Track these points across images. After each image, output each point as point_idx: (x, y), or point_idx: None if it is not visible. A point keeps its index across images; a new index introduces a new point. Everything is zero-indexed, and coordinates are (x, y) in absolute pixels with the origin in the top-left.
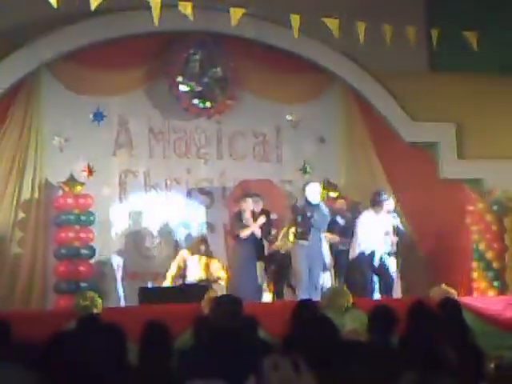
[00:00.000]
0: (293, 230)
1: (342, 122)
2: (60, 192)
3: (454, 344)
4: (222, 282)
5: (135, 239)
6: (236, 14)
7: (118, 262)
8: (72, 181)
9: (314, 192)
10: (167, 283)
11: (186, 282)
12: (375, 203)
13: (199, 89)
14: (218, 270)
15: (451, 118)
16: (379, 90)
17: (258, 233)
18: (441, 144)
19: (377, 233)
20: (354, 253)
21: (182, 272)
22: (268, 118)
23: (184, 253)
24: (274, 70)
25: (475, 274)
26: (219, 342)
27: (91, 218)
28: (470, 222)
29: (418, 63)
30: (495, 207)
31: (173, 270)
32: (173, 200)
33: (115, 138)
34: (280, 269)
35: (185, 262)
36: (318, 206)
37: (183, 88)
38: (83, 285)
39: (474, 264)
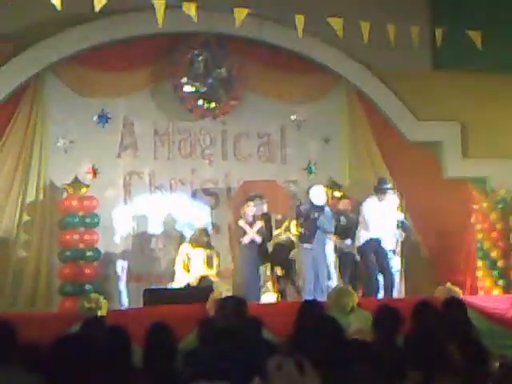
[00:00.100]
0: (294, 222)
1: (346, 122)
2: (65, 194)
3: (458, 343)
4: (216, 279)
5: (140, 241)
6: (240, 14)
7: (122, 264)
8: (77, 183)
9: (318, 194)
10: (182, 277)
11: (191, 284)
12: (379, 190)
13: (204, 90)
14: (217, 267)
15: (455, 117)
16: (383, 89)
17: (257, 239)
18: (445, 143)
19: (381, 218)
20: (359, 241)
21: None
22: (272, 118)
23: (186, 247)
24: (279, 70)
25: (480, 273)
26: (224, 343)
27: (96, 220)
28: (474, 220)
29: (422, 62)
30: (500, 206)
31: (181, 264)
32: (178, 201)
33: (120, 139)
34: (285, 270)
35: (188, 256)
36: (323, 207)
37: (188, 89)
38: (88, 287)
39: (479, 263)
